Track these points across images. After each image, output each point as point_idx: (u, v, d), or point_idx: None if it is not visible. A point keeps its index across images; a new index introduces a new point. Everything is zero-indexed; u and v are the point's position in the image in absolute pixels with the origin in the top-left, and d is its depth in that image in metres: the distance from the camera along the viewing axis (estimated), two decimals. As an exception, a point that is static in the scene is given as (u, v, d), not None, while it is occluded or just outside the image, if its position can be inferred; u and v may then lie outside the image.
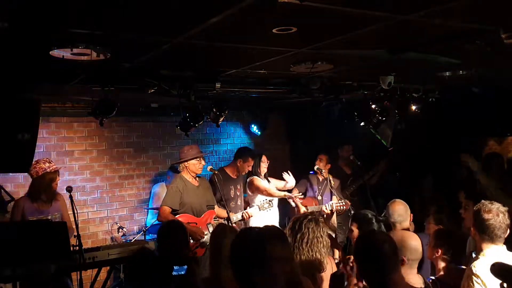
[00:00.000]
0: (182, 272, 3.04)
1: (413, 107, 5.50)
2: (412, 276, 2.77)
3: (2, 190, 4.91)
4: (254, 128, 7.12)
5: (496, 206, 2.85)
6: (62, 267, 3.78)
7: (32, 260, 3.51)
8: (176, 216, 4.71)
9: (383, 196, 5.99)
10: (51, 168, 4.42)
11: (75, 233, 4.16)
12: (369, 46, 3.14)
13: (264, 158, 5.72)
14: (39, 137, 3.99)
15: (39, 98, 3.81)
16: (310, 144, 6.81)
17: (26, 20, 2.25)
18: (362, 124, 5.29)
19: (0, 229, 4.10)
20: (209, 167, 5.18)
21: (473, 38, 2.87)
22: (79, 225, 4.29)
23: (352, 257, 3.24)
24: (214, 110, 4.55)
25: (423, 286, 2.76)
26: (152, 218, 5.97)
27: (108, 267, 4.47)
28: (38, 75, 3.48)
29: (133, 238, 5.62)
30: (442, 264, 3.28)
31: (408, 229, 3.78)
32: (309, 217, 3.03)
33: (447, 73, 4.22)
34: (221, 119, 4.62)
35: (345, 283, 2.61)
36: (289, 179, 5.74)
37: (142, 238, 5.55)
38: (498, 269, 2.21)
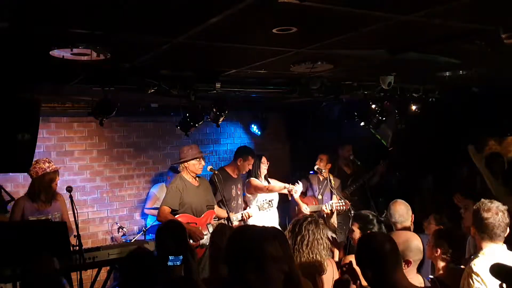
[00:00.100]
0: (178, 263, 3.04)
1: (413, 107, 5.51)
2: (413, 276, 2.78)
3: (2, 190, 4.91)
4: (254, 128, 7.11)
5: (496, 205, 2.86)
6: (62, 267, 3.78)
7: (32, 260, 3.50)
8: (176, 216, 4.70)
9: (383, 196, 6.01)
10: (50, 168, 4.43)
11: (75, 233, 4.16)
12: (369, 46, 3.14)
13: (264, 159, 5.71)
14: (39, 137, 3.99)
15: (39, 98, 3.80)
16: (310, 144, 6.81)
17: (26, 20, 2.25)
18: (362, 124, 5.29)
19: (0, 229, 4.10)
20: (209, 167, 5.18)
21: (473, 38, 2.87)
22: (79, 225, 4.30)
23: (348, 261, 3.25)
24: (214, 110, 4.55)
25: (423, 286, 2.76)
26: (152, 218, 5.97)
27: (108, 267, 4.47)
28: (38, 75, 3.48)
29: (133, 238, 5.62)
30: (441, 264, 3.28)
31: (409, 230, 3.78)
32: (309, 219, 3.03)
33: (447, 73, 4.23)
34: (221, 119, 4.63)
35: None
36: (298, 188, 5.73)
37: (142, 238, 5.55)
38: (498, 270, 2.20)
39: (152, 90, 3.91)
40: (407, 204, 3.88)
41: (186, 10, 2.19)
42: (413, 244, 3.00)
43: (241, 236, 1.99)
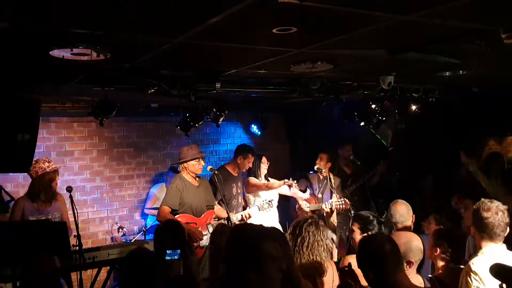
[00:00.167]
0: (176, 257, 3.04)
1: (413, 107, 5.50)
2: (413, 276, 2.78)
3: (2, 190, 4.91)
4: (254, 128, 7.12)
5: (496, 205, 2.85)
6: (62, 267, 3.78)
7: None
8: (176, 216, 4.70)
9: (383, 196, 6.01)
10: (50, 168, 4.42)
11: (75, 233, 4.16)
12: (369, 46, 3.14)
13: (264, 159, 5.72)
14: (39, 137, 3.99)
15: (39, 98, 3.80)
16: (310, 144, 6.80)
17: (26, 20, 2.25)
18: (362, 124, 5.28)
19: (0, 229, 4.10)
20: (209, 167, 5.18)
21: (473, 38, 2.87)
22: (79, 225, 4.29)
23: (347, 262, 3.25)
24: (214, 110, 4.55)
25: (423, 286, 2.76)
26: (152, 218, 5.97)
27: (108, 267, 4.47)
28: (38, 75, 3.48)
29: (133, 238, 5.62)
30: (440, 263, 3.28)
31: (410, 230, 3.78)
32: (309, 220, 3.03)
33: (447, 73, 4.23)
34: (221, 119, 4.63)
35: None
36: (306, 195, 5.74)
37: (142, 238, 5.55)
38: (497, 270, 2.20)
39: (152, 90, 3.91)
40: (408, 204, 3.87)
41: (186, 10, 2.19)
42: (414, 244, 3.01)
43: (240, 235, 1.99)
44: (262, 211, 5.34)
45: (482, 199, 2.94)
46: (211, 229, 4.74)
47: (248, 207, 5.61)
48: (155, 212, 5.51)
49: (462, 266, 3.04)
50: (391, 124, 5.76)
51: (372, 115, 5.22)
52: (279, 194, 5.83)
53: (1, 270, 3.59)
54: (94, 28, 2.40)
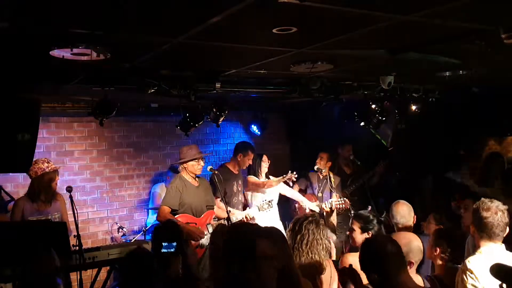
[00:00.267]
0: (172, 250, 3.03)
1: (413, 107, 5.50)
2: (413, 276, 2.77)
3: (2, 190, 4.91)
4: (254, 128, 7.12)
5: (496, 204, 2.84)
6: (62, 267, 3.78)
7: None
8: (176, 216, 4.70)
9: (383, 196, 6.01)
10: (49, 168, 4.42)
11: (75, 233, 4.16)
12: (369, 46, 3.14)
13: (265, 157, 5.73)
14: (39, 137, 3.99)
15: (39, 98, 3.81)
16: (310, 144, 6.81)
17: (26, 20, 2.25)
18: (362, 124, 5.28)
19: (0, 229, 4.10)
20: (209, 167, 5.18)
21: (473, 38, 2.87)
22: (79, 225, 4.29)
23: (347, 259, 3.24)
24: (214, 110, 4.55)
25: (423, 286, 2.76)
26: (151, 218, 5.97)
27: (108, 267, 4.47)
28: (38, 75, 3.48)
29: (133, 238, 5.62)
30: (440, 263, 3.28)
31: (410, 230, 3.78)
32: (310, 218, 3.03)
33: (447, 73, 4.23)
34: (221, 119, 4.63)
35: None
36: (311, 205, 5.72)
37: (142, 238, 5.55)
38: (497, 270, 2.20)
39: (152, 90, 3.91)
40: (409, 205, 3.87)
41: (186, 10, 2.19)
42: (414, 245, 3.01)
43: (233, 235, 2.00)
44: (262, 211, 5.34)
45: (482, 198, 2.94)
46: (211, 229, 4.74)
47: (247, 207, 5.61)
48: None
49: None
50: (391, 124, 5.76)
51: (372, 115, 5.21)
52: (280, 194, 5.82)
53: (1, 270, 3.59)
54: (94, 28, 2.40)
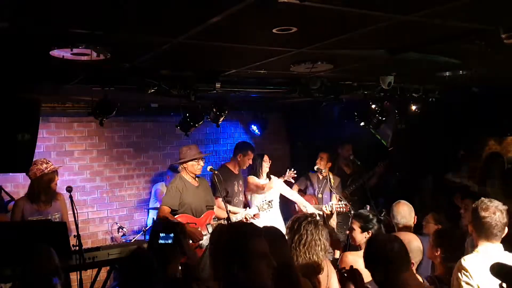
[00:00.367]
0: (169, 241, 3.02)
1: (413, 107, 5.51)
2: (412, 276, 2.78)
3: (2, 190, 4.91)
4: (254, 128, 7.12)
5: (495, 204, 2.84)
6: (62, 267, 3.78)
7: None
8: (175, 216, 4.70)
9: (383, 196, 6.01)
10: (48, 169, 4.40)
11: (75, 233, 4.16)
12: (369, 46, 3.14)
13: (266, 157, 5.72)
14: (39, 137, 3.99)
15: (39, 98, 3.81)
16: (310, 144, 6.81)
17: (26, 20, 2.25)
18: (362, 124, 5.28)
19: (0, 229, 4.10)
20: (209, 167, 5.18)
21: (473, 38, 2.87)
22: (79, 225, 4.29)
23: (346, 258, 3.24)
24: (214, 110, 4.55)
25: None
26: (151, 218, 5.96)
27: (108, 267, 4.47)
28: (38, 75, 3.48)
29: (133, 238, 5.62)
30: (441, 263, 3.29)
31: (410, 231, 3.79)
32: (309, 219, 3.03)
33: (447, 73, 4.23)
34: (221, 119, 4.62)
35: None
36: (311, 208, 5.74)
37: (142, 238, 5.55)
38: (498, 270, 2.20)
39: (152, 90, 3.91)
40: (410, 205, 3.87)
41: (186, 10, 2.19)
42: (414, 245, 3.01)
43: (226, 234, 2.00)
44: (262, 211, 5.34)
45: (482, 198, 2.93)
46: (210, 229, 4.74)
47: (248, 207, 5.61)
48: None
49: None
50: (391, 124, 5.76)
51: (372, 115, 5.21)
52: (280, 195, 5.82)
53: (1, 270, 3.59)
54: (94, 28, 2.40)
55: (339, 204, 5.51)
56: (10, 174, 5.18)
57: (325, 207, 5.59)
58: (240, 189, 5.65)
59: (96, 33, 2.46)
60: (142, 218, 6.34)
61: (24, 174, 4.81)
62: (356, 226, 3.51)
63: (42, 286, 2.81)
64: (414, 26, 2.60)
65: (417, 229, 4.15)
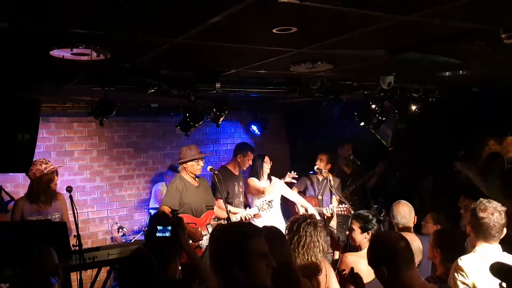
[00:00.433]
0: (167, 234, 3.02)
1: (413, 107, 5.51)
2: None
3: (2, 190, 4.91)
4: (254, 128, 7.12)
5: (493, 205, 2.84)
6: (62, 266, 3.78)
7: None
8: (176, 216, 4.70)
9: (383, 196, 6.01)
10: (48, 169, 4.40)
11: (75, 233, 4.16)
12: (369, 46, 3.14)
13: (267, 159, 5.70)
14: (39, 137, 3.99)
15: (39, 98, 3.80)
16: (310, 144, 6.80)
17: (26, 20, 2.25)
18: (362, 124, 5.28)
19: (0, 229, 4.10)
20: (209, 167, 5.18)
21: (473, 38, 2.87)
22: (79, 225, 4.29)
23: (346, 258, 3.24)
24: (214, 110, 4.55)
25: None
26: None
27: (108, 267, 4.47)
28: (38, 75, 3.48)
29: (133, 238, 5.62)
30: (441, 263, 3.29)
31: (410, 231, 3.79)
32: (308, 220, 3.03)
33: (447, 73, 4.23)
34: (221, 119, 4.62)
35: None
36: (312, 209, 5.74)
37: (142, 238, 5.55)
38: (498, 269, 2.20)
39: (152, 90, 3.91)
40: (410, 205, 3.87)
41: (186, 10, 2.19)
42: (414, 245, 3.00)
43: (224, 234, 2.00)
44: (262, 212, 5.34)
45: (481, 199, 2.93)
46: (210, 229, 4.75)
47: (248, 208, 5.61)
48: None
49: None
50: (391, 124, 5.76)
51: (372, 115, 5.21)
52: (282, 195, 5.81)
53: (1, 270, 3.59)
54: (94, 28, 2.40)
55: (340, 207, 5.51)
56: (10, 174, 5.19)
57: (326, 210, 5.59)
58: (241, 190, 5.64)
59: (96, 33, 2.46)
60: (142, 218, 6.34)
61: (24, 174, 4.81)
62: (356, 227, 3.50)
63: (40, 286, 2.81)
64: (414, 26, 2.60)
65: (417, 229, 4.15)
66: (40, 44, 2.67)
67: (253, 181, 5.62)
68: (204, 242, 4.67)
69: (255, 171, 5.65)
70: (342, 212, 5.48)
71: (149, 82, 3.84)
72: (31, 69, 3.38)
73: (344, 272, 2.64)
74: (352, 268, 2.62)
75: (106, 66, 3.28)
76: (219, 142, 7.17)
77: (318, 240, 2.96)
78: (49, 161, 4.53)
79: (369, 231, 3.45)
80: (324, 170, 5.81)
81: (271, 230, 2.69)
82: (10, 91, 3.51)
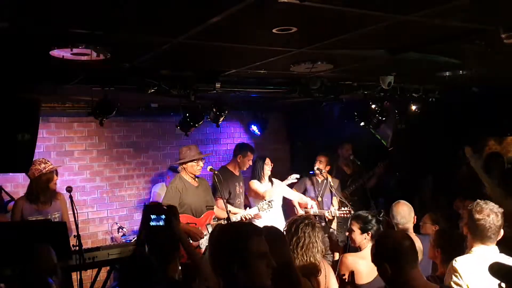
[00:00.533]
0: (161, 223, 3.01)
1: (413, 107, 5.51)
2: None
3: (2, 190, 4.91)
4: (254, 128, 7.12)
5: (490, 207, 2.82)
6: (62, 266, 3.78)
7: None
8: (176, 216, 4.70)
9: (383, 196, 6.01)
10: (47, 169, 4.40)
11: (75, 233, 4.16)
12: (369, 46, 3.14)
13: (268, 160, 5.68)
14: (39, 137, 3.99)
15: (39, 98, 3.80)
16: (310, 144, 6.80)
17: (26, 20, 2.25)
18: (362, 124, 5.29)
19: (0, 229, 4.10)
20: (209, 167, 5.18)
21: (473, 38, 2.88)
22: (79, 225, 4.30)
23: (346, 259, 3.24)
24: (214, 110, 4.55)
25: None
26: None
27: (108, 267, 4.47)
28: (38, 75, 3.48)
29: (133, 238, 5.61)
30: (442, 263, 3.28)
31: (410, 231, 3.78)
32: (306, 221, 3.03)
33: (447, 73, 4.23)
34: (221, 119, 4.63)
35: None
36: (293, 176, 5.75)
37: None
38: (497, 269, 2.20)
39: (152, 90, 3.91)
40: (410, 205, 3.87)
41: (186, 10, 2.19)
42: (415, 246, 3.00)
43: (224, 234, 2.00)
44: (262, 212, 5.33)
45: (478, 200, 2.92)
46: (210, 229, 4.74)
47: (248, 208, 5.61)
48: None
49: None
50: (391, 124, 5.77)
51: (372, 115, 5.21)
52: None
53: (1, 270, 3.59)
54: (94, 28, 2.40)
55: (342, 210, 5.50)
56: (10, 174, 5.18)
57: (328, 212, 5.59)
58: (241, 190, 5.64)
59: (96, 33, 2.46)
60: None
61: (24, 174, 4.82)
62: (356, 228, 3.50)
63: (37, 286, 2.80)
64: (414, 26, 2.60)
65: (417, 229, 4.15)
66: (40, 44, 2.67)
67: (254, 184, 5.60)
68: (204, 242, 4.67)
69: (256, 173, 5.64)
70: (345, 215, 5.47)
71: (149, 82, 3.84)
72: (31, 69, 3.38)
73: (344, 277, 2.65)
74: (352, 272, 2.62)
75: (106, 66, 3.28)
76: (219, 142, 7.17)
77: (316, 240, 2.97)
78: (48, 161, 4.53)
79: (369, 232, 3.45)
80: (324, 170, 5.80)
81: (271, 230, 2.69)
82: (10, 91, 3.51)
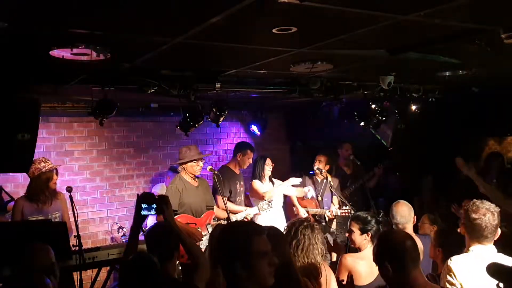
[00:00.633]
0: (152, 212, 3.02)
1: (413, 107, 5.51)
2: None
3: (2, 190, 4.91)
4: (254, 128, 7.12)
5: (486, 206, 2.81)
6: (62, 266, 3.78)
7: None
8: (175, 217, 4.69)
9: (383, 196, 6.00)
10: (46, 168, 4.39)
11: (75, 233, 4.16)
12: (369, 46, 3.14)
13: (268, 161, 5.68)
14: (39, 137, 3.98)
15: (39, 98, 3.80)
16: (310, 144, 6.81)
17: (26, 20, 2.25)
18: (362, 124, 5.29)
19: (0, 229, 4.10)
20: (209, 167, 5.18)
21: (473, 38, 2.88)
22: (79, 225, 4.29)
23: (345, 259, 3.24)
24: (214, 110, 4.55)
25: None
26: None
27: (108, 267, 4.47)
28: (38, 75, 3.48)
29: (133, 238, 5.60)
30: (442, 262, 3.29)
31: (410, 231, 3.78)
32: (305, 223, 3.03)
33: (447, 73, 4.23)
34: (221, 119, 4.62)
35: None
36: (295, 180, 5.75)
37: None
38: (495, 269, 2.20)
39: (152, 90, 3.91)
40: (410, 205, 3.87)
41: (186, 10, 2.19)
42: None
43: (226, 234, 2.00)
44: (262, 211, 5.34)
45: (474, 200, 2.92)
46: (210, 229, 4.74)
47: (248, 208, 5.61)
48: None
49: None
50: (391, 124, 5.76)
51: (372, 115, 5.22)
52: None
53: (1, 270, 3.59)
54: (94, 28, 2.40)
55: (343, 209, 5.50)
56: (10, 174, 5.18)
57: (329, 212, 5.59)
58: (242, 189, 5.65)
59: (96, 33, 2.46)
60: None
61: (24, 174, 4.81)
62: (355, 228, 3.50)
63: (34, 286, 2.79)
64: (414, 26, 2.60)
65: (416, 230, 4.16)
66: (40, 44, 2.67)
67: (256, 184, 5.61)
68: (204, 242, 4.67)
69: (256, 173, 5.64)
70: (345, 214, 5.47)
71: (149, 82, 3.84)
72: (31, 69, 3.38)
73: (343, 282, 2.65)
74: (351, 276, 2.62)
75: (106, 66, 3.28)
76: (219, 142, 7.16)
77: (316, 242, 2.97)
78: (48, 160, 4.53)
79: (369, 232, 3.45)
80: (324, 170, 5.80)
81: (271, 230, 2.69)
82: (10, 91, 3.50)
